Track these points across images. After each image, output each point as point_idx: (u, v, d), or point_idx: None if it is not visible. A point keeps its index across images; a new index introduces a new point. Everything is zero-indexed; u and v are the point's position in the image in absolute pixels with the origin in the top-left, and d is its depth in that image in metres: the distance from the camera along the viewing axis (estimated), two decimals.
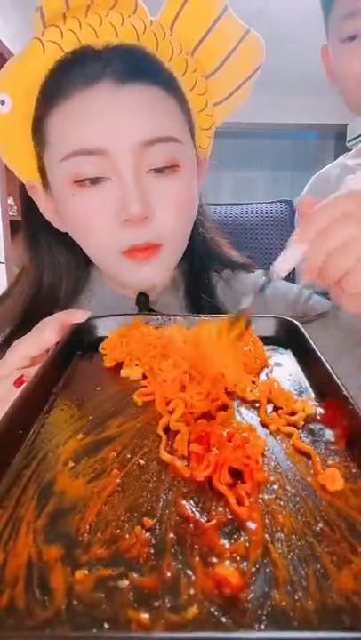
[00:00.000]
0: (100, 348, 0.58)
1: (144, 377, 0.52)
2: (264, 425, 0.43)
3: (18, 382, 0.56)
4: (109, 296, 0.81)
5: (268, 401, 0.47)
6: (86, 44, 0.66)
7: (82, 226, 0.70)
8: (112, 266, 0.72)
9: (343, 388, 0.43)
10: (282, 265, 0.50)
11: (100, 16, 0.65)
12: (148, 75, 0.66)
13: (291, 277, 1.04)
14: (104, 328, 0.63)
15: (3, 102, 0.69)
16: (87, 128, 0.64)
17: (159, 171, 0.67)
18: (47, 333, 0.57)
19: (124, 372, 0.53)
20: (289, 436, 0.41)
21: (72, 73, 0.65)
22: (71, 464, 0.37)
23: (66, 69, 0.66)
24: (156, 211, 0.67)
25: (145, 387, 0.50)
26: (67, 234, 0.76)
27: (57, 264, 0.81)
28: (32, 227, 0.81)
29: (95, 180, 0.65)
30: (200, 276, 0.84)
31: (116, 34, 0.66)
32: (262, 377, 0.53)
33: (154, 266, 0.70)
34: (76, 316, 0.61)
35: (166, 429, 0.42)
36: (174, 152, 0.67)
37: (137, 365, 0.54)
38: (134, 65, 0.66)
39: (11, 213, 2.91)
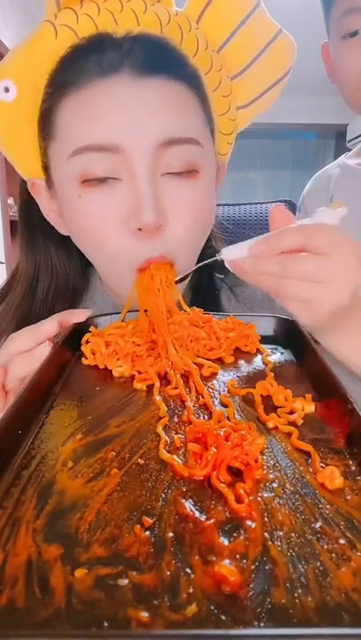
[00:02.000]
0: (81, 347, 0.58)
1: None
2: (263, 423, 0.43)
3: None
4: (111, 306, 0.76)
5: (266, 399, 0.47)
6: (104, 30, 0.60)
7: (89, 231, 0.63)
8: (119, 280, 0.66)
9: (342, 387, 0.43)
10: (230, 252, 0.53)
11: (120, 1, 0.60)
12: (170, 68, 0.60)
13: None
14: (104, 327, 0.63)
15: (7, 89, 0.62)
16: (100, 122, 0.58)
17: (176, 174, 0.61)
18: (47, 325, 0.56)
19: (116, 372, 0.54)
20: (288, 434, 0.41)
21: (86, 62, 0.59)
22: (70, 464, 0.37)
23: (79, 57, 0.59)
24: (170, 219, 0.61)
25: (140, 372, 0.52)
26: (66, 238, 0.71)
27: (54, 271, 0.76)
28: (30, 228, 0.76)
29: (104, 180, 0.59)
30: (208, 289, 0.80)
31: (138, 22, 0.61)
32: (260, 374, 0.53)
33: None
34: (77, 315, 0.59)
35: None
36: (194, 155, 0.61)
37: (119, 360, 0.55)
38: (156, 57, 0.59)
39: (11, 213, 2.91)
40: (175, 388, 0.50)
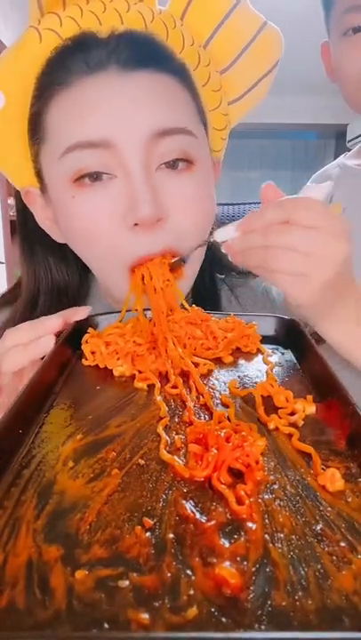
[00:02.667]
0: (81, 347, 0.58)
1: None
2: (263, 424, 0.43)
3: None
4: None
5: (267, 399, 0.47)
6: (88, 30, 0.59)
7: (85, 232, 0.62)
8: (118, 281, 0.64)
9: (343, 388, 0.43)
10: (221, 234, 0.54)
11: (103, 2, 0.60)
12: (157, 61, 0.60)
13: None
14: (104, 327, 0.62)
15: None
16: (90, 118, 0.57)
17: (171, 166, 0.60)
18: (51, 321, 0.55)
19: (116, 372, 0.54)
20: (289, 435, 0.41)
21: (72, 61, 0.58)
22: (71, 464, 0.37)
23: (65, 57, 0.59)
24: (172, 211, 0.60)
25: (140, 372, 0.52)
26: (64, 247, 0.70)
27: (54, 282, 0.75)
28: (28, 240, 0.75)
29: (98, 178, 0.58)
30: (208, 290, 0.79)
31: (122, 21, 0.60)
32: (261, 374, 0.53)
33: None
34: (79, 312, 0.59)
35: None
36: (188, 145, 0.60)
37: (119, 360, 0.55)
38: (142, 50, 0.59)
39: (11, 213, 2.90)
40: (174, 387, 0.50)
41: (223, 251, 0.55)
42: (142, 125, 0.57)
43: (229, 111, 0.72)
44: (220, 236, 0.54)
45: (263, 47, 0.67)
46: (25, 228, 0.75)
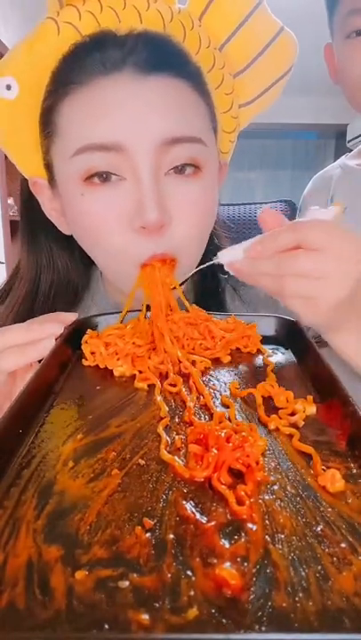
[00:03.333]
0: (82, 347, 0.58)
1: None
2: (264, 424, 0.43)
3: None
4: (111, 306, 0.75)
5: (267, 400, 0.47)
6: (107, 28, 0.59)
7: (92, 230, 0.62)
8: (123, 277, 0.65)
9: (344, 388, 0.43)
10: (226, 255, 0.54)
11: None
12: (173, 66, 0.60)
13: None
14: (105, 326, 0.62)
15: (9, 87, 0.61)
16: (103, 120, 0.57)
17: (179, 171, 0.60)
18: (50, 326, 0.55)
19: (116, 372, 0.54)
20: (290, 436, 0.41)
21: (89, 59, 0.58)
22: (71, 464, 0.37)
23: (82, 55, 0.59)
24: (175, 217, 0.60)
25: (141, 372, 0.52)
26: (68, 237, 0.70)
27: (56, 270, 0.75)
28: (31, 227, 0.75)
29: (108, 178, 0.59)
30: (211, 289, 0.79)
31: (140, 20, 0.60)
32: (261, 374, 0.53)
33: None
34: (68, 318, 0.59)
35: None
36: (197, 154, 0.61)
37: (119, 360, 0.55)
38: (159, 54, 0.59)
39: (11, 213, 2.91)
40: (172, 385, 0.50)
41: (228, 270, 0.54)
42: (155, 131, 0.57)
43: (239, 114, 0.72)
44: (226, 258, 0.54)
45: (278, 52, 0.67)
46: (30, 216, 0.75)
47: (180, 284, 0.62)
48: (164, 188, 0.59)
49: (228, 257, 0.54)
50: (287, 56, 0.68)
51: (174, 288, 0.62)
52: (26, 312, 0.73)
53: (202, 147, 0.61)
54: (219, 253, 0.54)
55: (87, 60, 0.58)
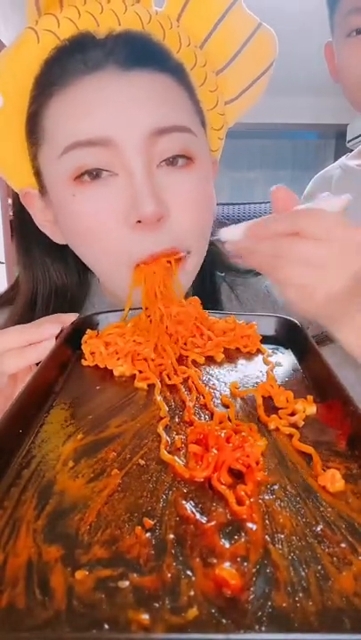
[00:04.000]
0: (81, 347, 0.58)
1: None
2: (264, 424, 0.43)
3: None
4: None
5: (267, 400, 0.47)
6: (86, 30, 0.60)
7: (86, 232, 0.61)
8: (120, 281, 0.63)
9: (344, 388, 0.43)
10: (226, 233, 0.53)
11: (100, 3, 0.60)
12: (155, 61, 0.60)
13: None
14: (106, 324, 0.62)
15: None
16: (88, 117, 0.57)
17: (171, 163, 0.60)
18: (47, 327, 0.55)
19: (116, 371, 0.54)
20: (290, 436, 0.41)
21: (70, 61, 0.59)
22: (71, 464, 0.37)
23: (63, 57, 0.59)
24: (172, 209, 0.60)
25: (141, 372, 0.52)
26: (62, 248, 0.70)
27: (52, 284, 0.75)
28: (26, 242, 0.74)
29: (98, 175, 0.58)
30: (209, 288, 0.79)
31: (119, 22, 0.61)
32: (261, 374, 0.53)
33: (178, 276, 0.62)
34: (68, 318, 0.59)
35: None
36: (187, 143, 0.61)
37: (119, 360, 0.55)
38: (140, 50, 0.60)
39: (10, 213, 2.90)
40: (171, 378, 0.51)
41: (226, 248, 0.55)
42: (142, 123, 0.57)
43: (226, 111, 0.73)
44: (226, 235, 0.53)
45: (258, 48, 0.68)
46: (22, 230, 0.74)
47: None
48: (158, 181, 0.59)
49: (229, 235, 0.53)
50: (267, 51, 0.69)
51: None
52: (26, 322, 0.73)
53: (191, 136, 0.61)
54: (220, 230, 0.54)
55: (68, 61, 0.59)
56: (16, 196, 0.71)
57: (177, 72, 0.63)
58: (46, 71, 0.61)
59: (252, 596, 0.25)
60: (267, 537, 0.29)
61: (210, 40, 0.67)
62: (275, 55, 0.69)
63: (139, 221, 0.58)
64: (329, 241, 0.47)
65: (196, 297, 0.65)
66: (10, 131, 0.64)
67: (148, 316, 0.61)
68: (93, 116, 0.57)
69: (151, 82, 0.59)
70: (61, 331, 0.56)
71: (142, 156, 0.57)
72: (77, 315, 0.60)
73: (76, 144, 0.57)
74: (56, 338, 0.55)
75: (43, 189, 0.66)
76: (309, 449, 0.38)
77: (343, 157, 1.13)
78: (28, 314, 0.74)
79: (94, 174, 0.59)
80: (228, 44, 0.67)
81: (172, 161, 0.60)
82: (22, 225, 0.74)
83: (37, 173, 0.66)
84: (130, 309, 0.63)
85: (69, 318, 0.59)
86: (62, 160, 0.59)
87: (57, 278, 0.75)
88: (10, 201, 2.90)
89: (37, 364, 0.52)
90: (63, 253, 0.72)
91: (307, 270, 0.48)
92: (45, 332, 0.55)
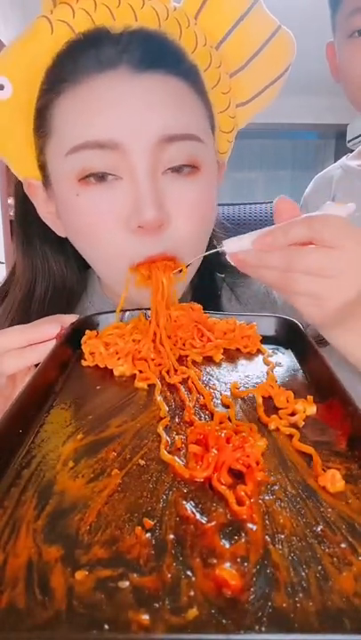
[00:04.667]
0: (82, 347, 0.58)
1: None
2: (264, 425, 0.43)
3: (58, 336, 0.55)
4: (110, 308, 0.71)
5: (267, 400, 0.47)
6: (102, 25, 0.59)
7: (87, 230, 0.62)
8: (118, 278, 0.64)
9: (344, 388, 0.43)
10: (232, 244, 0.52)
11: None
12: (169, 63, 0.59)
13: None
14: (106, 325, 0.62)
15: (2, 87, 0.61)
16: (98, 117, 0.56)
17: (177, 170, 0.60)
18: (47, 327, 0.55)
19: (116, 372, 0.54)
20: (290, 436, 0.41)
21: (83, 57, 0.58)
22: (71, 464, 0.37)
23: (76, 53, 0.58)
24: (172, 216, 0.60)
25: (141, 372, 0.52)
26: (63, 241, 0.70)
27: (51, 274, 0.74)
28: (26, 230, 0.74)
29: (103, 178, 0.58)
30: (208, 290, 0.79)
31: (135, 17, 0.60)
32: (261, 375, 0.53)
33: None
34: (68, 319, 0.59)
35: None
36: (195, 152, 0.60)
37: (119, 359, 0.55)
38: (155, 51, 0.59)
39: (11, 213, 2.89)
40: (170, 377, 0.51)
41: (230, 261, 0.53)
42: (152, 129, 0.56)
43: (237, 114, 0.72)
44: (232, 246, 0.52)
45: (276, 51, 0.66)
46: (24, 219, 0.74)
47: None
48: (162, 187, 0.59)
49: (235, 246, 0.52)
50: (285, 55, 0.67)
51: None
52: (22, 316, 0.73)
53: (199, 144, 0.61)
54: (224, 242, 0.53)
55: (81, 57, 0.58)
56: (19, 185, 0.71)
57: (190, 75, 0.62)
58: (58, 65, 0.60)
59: (252, 597, 0.25)
60: (267, 537, 0.29)
61: (227, 40, 0.65)
62: (292, 59, 0.67)
63: (139, 226, 0.58)
64: (342, 249, 0.47)
65: (198, 304, 0.64)
66: (17, 121, 0.64)
67: (148, 318, 0.61)
68: (104, 117, 0.56)
69: (164, 85, 0.58)
70: (61, 330, 0.56)
71: (148, 161, 0.57)
72: (77, 316, 0.60)
73: (85, 145, 0.57)
74: (56, 337, 0.55)
75: (46, 182, 0.66)
76: (310, 449, 0.38)
77: (344, 158, 1.13)
78: (23, 306, 0.73)
79: (100, 176, 0.58)
80: (246, 45, 0.66)
81: (177, 169, 0.60)
82: (24, 214, 0.73)
83: (42, 166, 0.66)
84: (133, 310, 0.64)
85: (70, 319, 0.59)
86: (69, 159, 0.58)
87: (56, 269, 0.75)
88: (10, 201, 2.90)
89: (36, 365, 0.52)
90: (64, 246, 0.71)
91: (321, 281, 0.47)
92: (46, 333, 0.55)
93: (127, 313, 0.64)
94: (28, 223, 0.73)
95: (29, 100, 0.62)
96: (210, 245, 0.70)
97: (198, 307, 0.64)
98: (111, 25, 0.59)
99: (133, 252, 0.60)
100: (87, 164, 0.58)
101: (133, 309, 0.64)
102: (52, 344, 0.54)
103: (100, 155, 0.57)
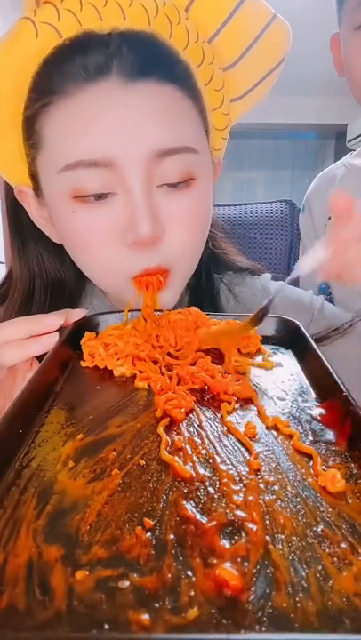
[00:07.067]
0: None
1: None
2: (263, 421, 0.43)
3: None
4: (109, 308, 0.73)
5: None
6: (88, 29, 0.55)
7: (83, 245, 0.62)
8: (116, 289, 0.65)
9: (344, 389, 0.43)
10: (306, 262, 0.49)
11: None
12: (161, 69, 0.57)
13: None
14: (107, 325, 0.62)
15: None
16: (90, 133, 0.55)
17: (172, 185, 0.59)
18: (51, 318, 0.55)
19: (117, 372, 0.54)
20: (290, 436, 0.41)
21: (71, 66, 0.55)
22: (71, 464, 0.37)
23: (63, 61, 0.55)
24: (168, 229, 0.59)
25: (142, 372, 0.52)
26: (59, 244, 0.69)
27: (49, 277, 0.73)
28: (20, 234, 0.73)
29: (100, 196, 0.57)
30: (206, 290, 0.78)
31: (124, 16, 0.56)
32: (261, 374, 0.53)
33: (163, 292, 0.63)
34: (76, 314, 0.59)
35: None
36: (191, 164, 0.59)
37: (119, 360, 0.55)
38: (146, 57, 0.56)
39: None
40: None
41: (312, 278, 0.51)
42: (146, 144, 0.55)
43: (231, 109, 0.70)
44: (308, 265, 0.49)
45: (271, 42, 0.63)
46: (16, 223, 0.73)
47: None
48: (157, 201, 0.58)
49: (310, 263, 0.48)
50: (280, 45, 0.64)
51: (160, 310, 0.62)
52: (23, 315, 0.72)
53: (194, 156, 0.59)
54: (297, 265, 0.49)
55: (69, 66, 0.55)
56: (9, 188, 0.69)
57: (184, 79, 0.60)
58: (45, 74, 0.57)
59: (252, 597, 0.25)
60: (267, 537, 0.29)
61: (220, 34, 0.61)
62: (287, 49, 0.64)
63: (135, 242, 0.58)
64: None
65: (195, 308, 0.64)
66: (6, 127, 0.62)
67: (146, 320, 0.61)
68: (96, 133, 0.55)
69: (157, 95, 0.57)
70: (66, 324, 0.56)
71: (143, 176, 0.56)
72: (87, 310, 0.60)
73: (79, 164, 0.55)
74: (58, 331, 0.55)
75: (38, 191, 0.65)
76: (310, 449, 0.38)
77: (347, 156, 1.13)
78: (24, 308, 0.73)
79: (97, 196, 0.58)
80: (241, 37, 0.62)
81: (173, 184, 0.59)
82: (16, 218, 0.72)
83: (33, 175, 0.64)
84: (130, 311, 0.64)
85: (78, 314, 0.59)
86: (62, 176, 0.57)
87: (53, 272, 0.74)
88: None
89: (38, 359, 0.52)
90: (59, 248, 0.71)
91: None
92: (48, 324, 0.54)
93: (129, 314, 0.64)
94: (20, 226, 0.72)
95: (17, 106, 0.60)
96: (205, 247, 0.70)
97: (195, 309, 0.64)
98: (98, 26, 0.56)
99: (129, 265, 0.61)
100: (82, 183, 0.57)
101: (137, 310, 0.64)
102: (55, 337, 0.54)
103: (95, 173, 0.56)
